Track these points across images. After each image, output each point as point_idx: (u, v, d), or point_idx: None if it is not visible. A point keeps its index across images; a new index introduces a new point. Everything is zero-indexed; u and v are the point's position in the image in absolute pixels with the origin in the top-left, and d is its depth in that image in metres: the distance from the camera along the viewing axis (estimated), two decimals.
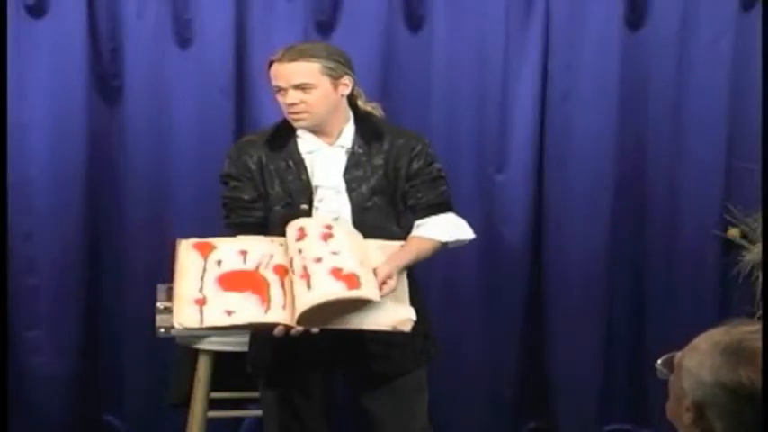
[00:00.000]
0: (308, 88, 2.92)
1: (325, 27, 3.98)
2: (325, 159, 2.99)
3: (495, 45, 4.03)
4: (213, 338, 3.55)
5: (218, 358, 3.61)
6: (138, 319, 3.90)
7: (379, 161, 2.99)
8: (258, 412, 3.79)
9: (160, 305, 3.56)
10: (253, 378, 3.17)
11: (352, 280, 2.70)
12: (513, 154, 4.10)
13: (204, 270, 2.81)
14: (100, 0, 3.92)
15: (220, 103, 3.98)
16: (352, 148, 3.00)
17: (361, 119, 3.04)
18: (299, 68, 2.92)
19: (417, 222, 3.01)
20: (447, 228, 3.03)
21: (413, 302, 2.85)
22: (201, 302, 2.73)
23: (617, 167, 4.13)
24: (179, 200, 4.03)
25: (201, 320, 2.71)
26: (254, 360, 3.12)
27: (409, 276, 2.93)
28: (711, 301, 4.19)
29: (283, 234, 2.88)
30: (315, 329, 2.72)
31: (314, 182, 2.97)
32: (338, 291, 2.67)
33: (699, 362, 1.61)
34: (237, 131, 3.96)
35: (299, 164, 2.98)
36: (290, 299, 2.73)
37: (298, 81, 2.92)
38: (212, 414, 3.70)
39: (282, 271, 2.81)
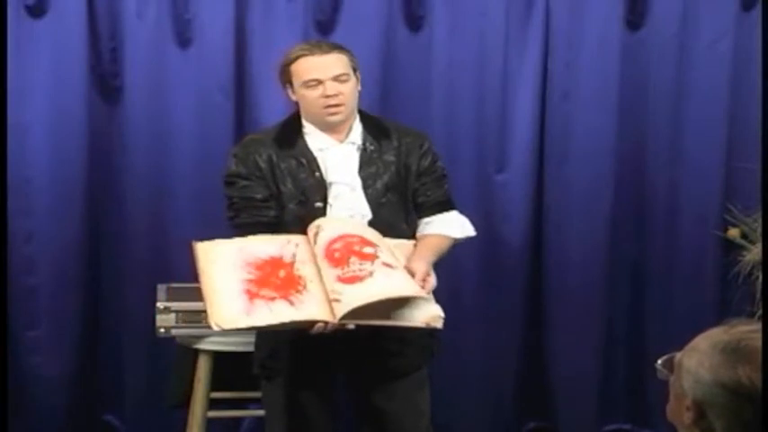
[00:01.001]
0: (345, 80, 2.95)
1: (325, 27, 3.98)
2: (338, 156, 2.99)
3: (495, 45, 4.04)
4: (213, 338, 3.56)
5: (218, 358, 3.61)
6: (138, 319, 3.91)
7: (390, 158, 3.00)
8: (258, 412, 3.79)
9: (160, 305, 3.56)
10: (262, 378, 3.13)
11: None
12: (513, 154, 4.10)
13: (239, 269, 2.78)
14: (100, 0, 3.92)
15: (220, 103, 3.98)
16: (363, 144, 3.01)
17: (365, 116, 3.05)
18: (336, 60, 2.94)
19: (426, 220, 3.03)
20: (456, 225, 3.06)
21: None
22: (252, 298, 2.70)
23: (617, 167, 4.13)
24: (179, 200, 4.03)
25: (247, 319, 2.68)
26: (268, 360, 3.08)
27: None
28: (711, 301, 4.20)
29: (298, 232, 2.88)
30: (351, 326, 2.72)
31: (328, 179, 2.97)
32: (400, 288, 2.70)
33: (698, 361, 1.61)
34: (237, 131, 3.96)
35: (312, 161, 2.98)
36: (325, 295, 2.73)
37: (337, 72, 2.93)
38: (212, 414, 3.70)
39: (314, 268, 2.80)
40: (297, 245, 2.86)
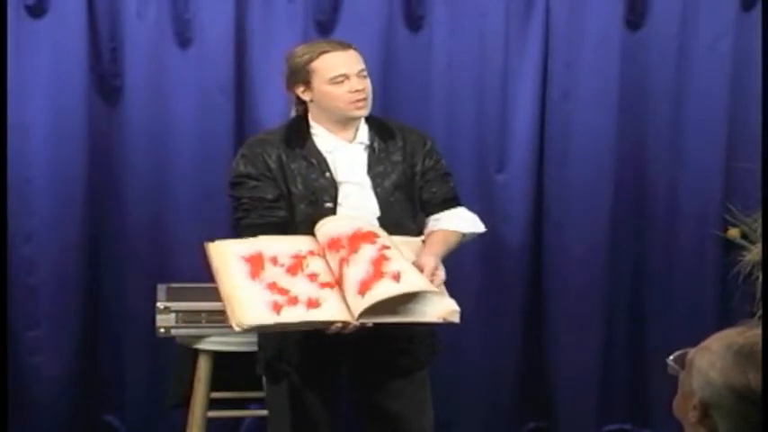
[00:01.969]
0: (365, 75, 2.99)
1: (325, 27, 3.98)
2: (348, 157, 3.00)
3: (495, 45, 4.04)
4: (213, 338, 3.56)
5: (218, 358, 3.61)
6: (138, 319, 3.91)
7: (397, 157, 3.02)
8: (258, 412, 3.80)
9: (160, 305, 3.56)
10: (268, 379, 3.12)
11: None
12: (513, 153, 4.10)
13: (263, 269, 2.78)
14: (100, 0, 3.92)
15: (220, 103, 3.98)
16: (371, 144, 3.02)
17: (368, 116, 3.06)
18: (357, 55, 2.99)
19: (434, 217, 3.05)
20: (464, 220, 3.07)
21: None
22: (274, 296, 2.71)
23: (617, 167, 4.13)
24: (179, 200, 4.02)
25: (275, 316, 2.68)
26: (275, 361, 3.07)
27: None
28: (711, 301, 4.20)
29: (308, 233, 2.89)
30: (369, 324, 2.72)
31: (337, 179, 2.98)
32: (412, 284, 2.70)
33: (709, 362, 1.60)
34: (237, 131, 3.96)
35: (323, 162, 2.98)
36: (342, 294, 2.73)
37: (360, 66, 2.98)
38: (212, 414, 3.70)
39: (327, 267, 2.81)
40: (308, 245, 2.87)
